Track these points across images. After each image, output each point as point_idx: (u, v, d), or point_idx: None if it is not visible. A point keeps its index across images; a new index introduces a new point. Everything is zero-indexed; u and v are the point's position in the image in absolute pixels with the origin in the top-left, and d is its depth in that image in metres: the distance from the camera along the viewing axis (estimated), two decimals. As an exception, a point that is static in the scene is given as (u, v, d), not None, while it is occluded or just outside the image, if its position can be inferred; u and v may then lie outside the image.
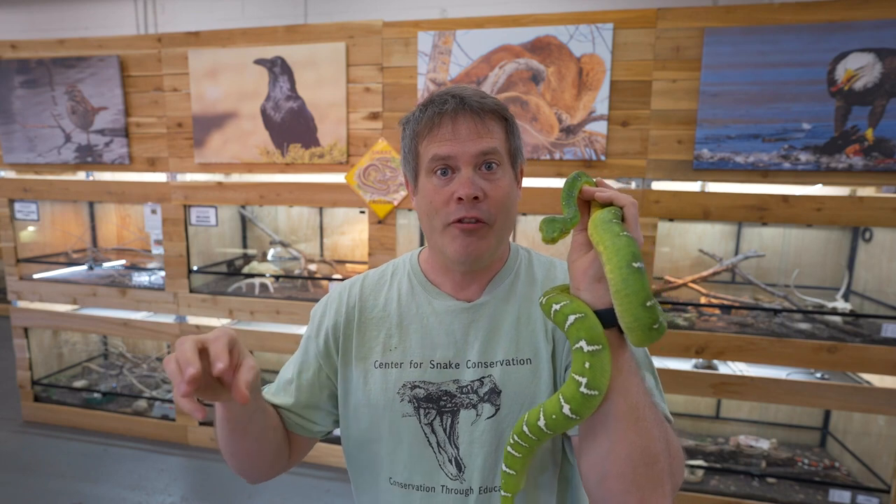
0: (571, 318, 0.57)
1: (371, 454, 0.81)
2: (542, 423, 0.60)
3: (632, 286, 0.52)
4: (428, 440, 0.77)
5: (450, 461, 0.76)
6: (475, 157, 0.72)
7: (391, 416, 0.77)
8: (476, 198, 0.71)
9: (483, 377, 0.76)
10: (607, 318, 0.57)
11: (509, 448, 0.66)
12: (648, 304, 0.52)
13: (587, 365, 0.55)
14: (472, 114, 0.72)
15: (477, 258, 0.74)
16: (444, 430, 0.76)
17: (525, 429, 0.62)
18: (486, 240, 0.73)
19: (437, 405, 0.76)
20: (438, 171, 0.73)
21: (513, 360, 0.76)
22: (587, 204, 0.63)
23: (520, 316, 0.78)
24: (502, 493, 0.69)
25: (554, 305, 0.59)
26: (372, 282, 0.86)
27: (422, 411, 0.77)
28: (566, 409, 0.56)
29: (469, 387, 0.76)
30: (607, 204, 0.60)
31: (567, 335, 0.58)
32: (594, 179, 0.64)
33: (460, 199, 0.70)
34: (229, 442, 0.73)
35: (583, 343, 0.55)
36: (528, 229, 2.79)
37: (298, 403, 0.82)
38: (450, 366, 0.77)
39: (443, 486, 0.76)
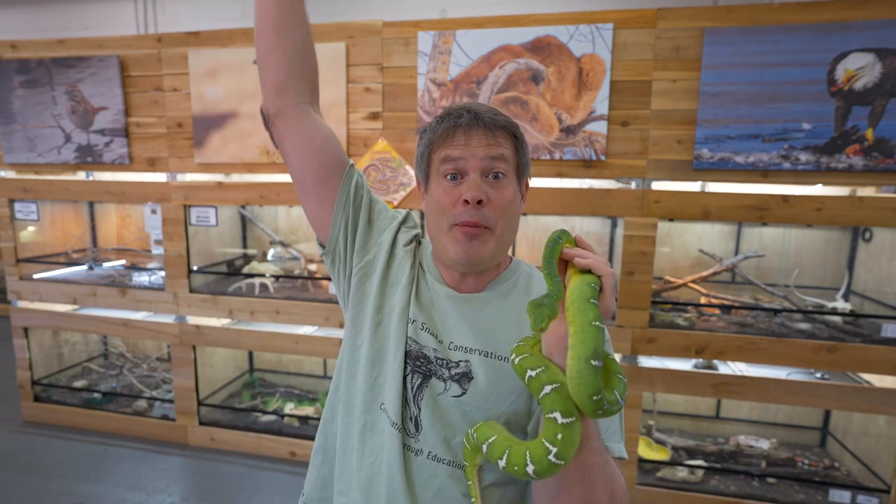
0: (547, 388, 0.58)
1: (374, 377, 0.82)
2: (502, 463, 0.61)
3: (585, 380, 0.55)
4: (404, 393, 0.80)
5: (410, 419, 0.78)
6: (483, 160, 0.76)
7: (393, 357, 0.80)
8: (480, 202, 0.74)
9: (460, 361, 0.78)
10: None
11: (469, 432, 0.71)
12: (595, 398, 0.55)
13: (559, 436, 0.56)
14: (484, 128, 0.76)
15: (477, 261, 0.77)
16: (412, 388, 0.79)
17: (484, 448, 0.65)
18: (486, 244, 0.77)
19: (414, 363, 0.79)
20: (448, 176, 0.77)
21: (492, 353, 0.78)
22: (566, 264, 0.65)
23: (509, 317, 0.80)
24: (464, 462, 0.74)
25: (529, 371, 0.60)
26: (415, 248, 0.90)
27: (406, 364, 0.80)
28: (530, 468, 0.58)
29: (444, 361, 0.78)
30: (586, 269, 0.62)
31: (541, 403, 0.59)
32: (574, 237, 0.66)
33: (466, 201, 0.74)
34: None
35: (557, 415, 0.57)
36: (527, 228, 2.79)
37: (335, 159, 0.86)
38: (436, 337, 0.80)
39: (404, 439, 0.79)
